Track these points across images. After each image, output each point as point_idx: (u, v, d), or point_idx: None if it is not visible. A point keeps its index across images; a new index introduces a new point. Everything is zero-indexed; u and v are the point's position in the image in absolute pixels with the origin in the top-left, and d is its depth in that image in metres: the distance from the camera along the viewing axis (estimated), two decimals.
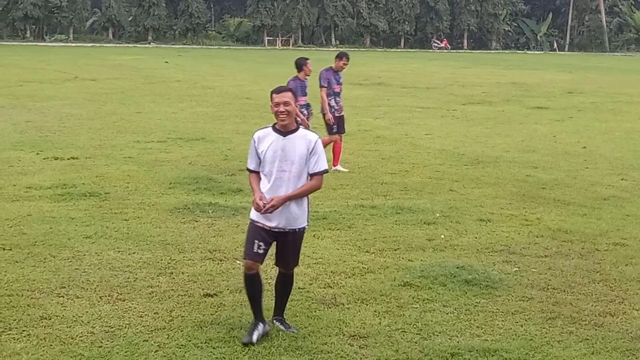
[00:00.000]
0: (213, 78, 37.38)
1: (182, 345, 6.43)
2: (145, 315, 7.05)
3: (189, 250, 9.07)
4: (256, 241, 6.45)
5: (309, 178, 6.51)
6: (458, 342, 6.61)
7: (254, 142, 6.52)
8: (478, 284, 8.02)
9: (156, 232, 9.81)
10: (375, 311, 7.27)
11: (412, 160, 15.75)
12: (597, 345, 6.62)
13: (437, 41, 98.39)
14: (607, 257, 9.19)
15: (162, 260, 8.66)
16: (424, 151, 16.97)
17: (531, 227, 10.56)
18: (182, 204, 11.28)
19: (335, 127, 14.27)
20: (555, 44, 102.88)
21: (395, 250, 9.31)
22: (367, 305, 7.44)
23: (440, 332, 6.81)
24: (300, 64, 13.69)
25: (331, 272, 8.39)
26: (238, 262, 8.62)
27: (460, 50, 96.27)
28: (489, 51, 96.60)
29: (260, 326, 6.51)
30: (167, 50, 70.13)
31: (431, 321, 7.05)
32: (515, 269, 8.66)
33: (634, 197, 12.68)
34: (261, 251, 6.46)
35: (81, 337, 6.53)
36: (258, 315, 6.56)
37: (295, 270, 6.96)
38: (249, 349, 6.33)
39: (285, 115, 6.38)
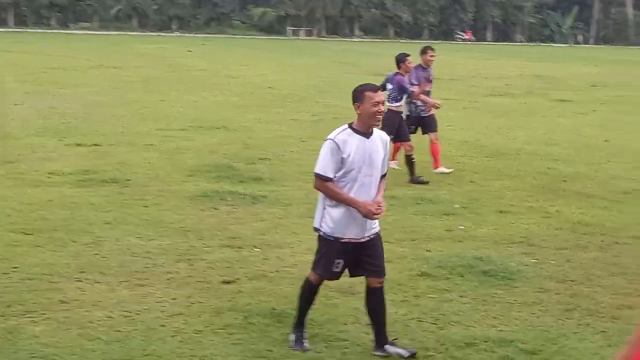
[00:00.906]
0: (236, 67, 37.44)
1: (199, 330, 6.47)
2: (164, 300, 7.10)
3: (208, 237, 9.11)
4: (338, 260, 5.99)
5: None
6: (474, 332, 6.60)
7: (337, 146, 5.79)
8: (496, 275, 8.00)
9: (176, 219, 9.87)
10: (392, 300, 7.25)
11: None
12: (613, 337, 6.57)
13: (461, 33, 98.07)
14: (627, 251, 9.14)
15: (181, 247, 8.71)
16: (445, 142, 16.84)
17: (551, 219, 10.52)
18: (202, 191, 11.33)
19: (413, 128, 13.48)
20: (580, 37, 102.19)
21: (413, 240, 9.30)
22: (384, 294, 7.43)
23: (456, 322, 6.81)
24: (399, 60, 13.02)
25: None
26: (256, 249, 8.66)
27: (484, 42, 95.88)
28: (513, 43, 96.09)
29: (307, 333, 6.26)
30: (191, 39, 70.37)
31: (448, 311, 7.05)
32: (533, 260, 8.64)
33: None
34: (338, 269, 6.06)
35: (99, 321, 6.59)
36: (305, 324, 6.25)
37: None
38: (265, 336, 6.36)
39: (381, 115, 5.88)
